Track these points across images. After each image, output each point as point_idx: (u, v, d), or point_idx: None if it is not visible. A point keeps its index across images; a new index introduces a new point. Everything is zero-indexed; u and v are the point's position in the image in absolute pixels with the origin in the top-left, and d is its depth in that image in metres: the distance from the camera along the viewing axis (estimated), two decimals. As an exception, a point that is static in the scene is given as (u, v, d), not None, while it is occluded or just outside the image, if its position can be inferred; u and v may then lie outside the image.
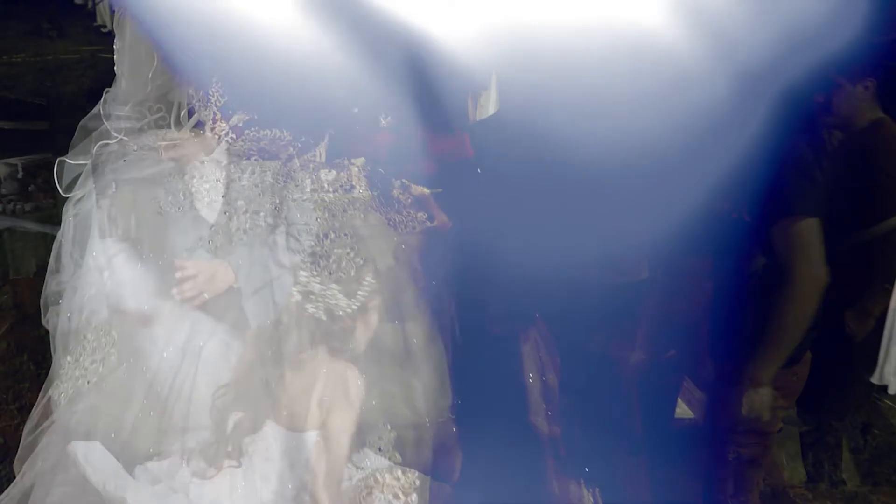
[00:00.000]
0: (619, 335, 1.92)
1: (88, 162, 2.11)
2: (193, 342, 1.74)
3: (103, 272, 1.90)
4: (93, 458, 1.73)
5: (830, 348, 2.88)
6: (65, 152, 2.16)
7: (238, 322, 1.74)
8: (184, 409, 1.71)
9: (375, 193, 1.93)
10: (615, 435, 2.04)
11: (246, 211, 1.85)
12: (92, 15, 8.20)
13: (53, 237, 2.10)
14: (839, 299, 3.01)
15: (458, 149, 2.08)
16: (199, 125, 2.11)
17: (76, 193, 2.10)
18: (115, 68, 2.10)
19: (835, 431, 2.66)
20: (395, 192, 2.01)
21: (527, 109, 2.09)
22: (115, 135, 2.07)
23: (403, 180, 2.05)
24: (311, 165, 2.01)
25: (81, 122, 2.14)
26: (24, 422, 1.97)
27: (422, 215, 1.95)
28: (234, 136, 1.98)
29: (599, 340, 1.96)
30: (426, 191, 2.07)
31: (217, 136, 1.98)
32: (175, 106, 2.12)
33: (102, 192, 2.01)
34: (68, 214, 2.06)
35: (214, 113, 1.98)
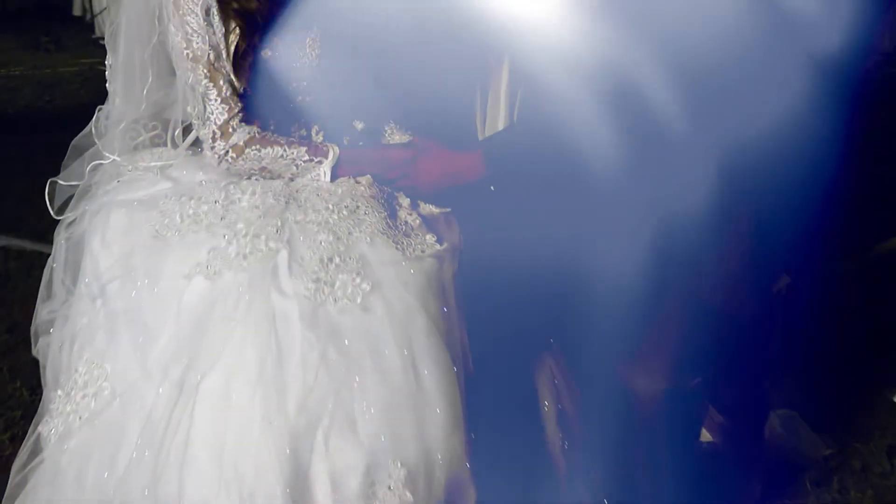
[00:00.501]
0: (639, 362, 1.82)
1: (81, 183, 2.03)
2: (191, 376, 1.64)
3: (96, 300, 1.80)
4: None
5: (853, 367, 2.81)
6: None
7: (237, 356, 1.64)
8: (181, 448, 1.61)
9: (382, 215, 1.84)
10: (635, 466, 1.94)
11: (246, 234, 1.75)
12: (90, 27, 8.15)
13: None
14: (864, 314, 2.93)
15: (471, 166, 1.98)
16: (196, 144, 2.02)
17: (68, 216, 2.01)
18: (107, 85, 2.01)
19: (860, 455, 2.57)
20: (403, 213, 1.91)
21: (543, 121, 2.01)
22: (108, 155, 1.98)
23: (411, 200, 1.96)
24: (315, 185, 1.92)
25: (73, 142, 2.06)
26: (16, 453, 1.88)
27: (431, 237, 1.85)
28: (234, 155, 1.89)
29: (618, 367, 1.86)
30: (435, 210, 1.97)
31: (217, 156, 1.89)
32: (171, 123, 2.03)
33: (95, 214, 1.92)
34: (60, 238, 1.97)
35: (214, 131, 1.89)
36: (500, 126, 2.30)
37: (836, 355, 2.80)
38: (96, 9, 7.49)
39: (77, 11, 8.44)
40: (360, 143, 2.03)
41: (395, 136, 2.17)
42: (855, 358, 2.86)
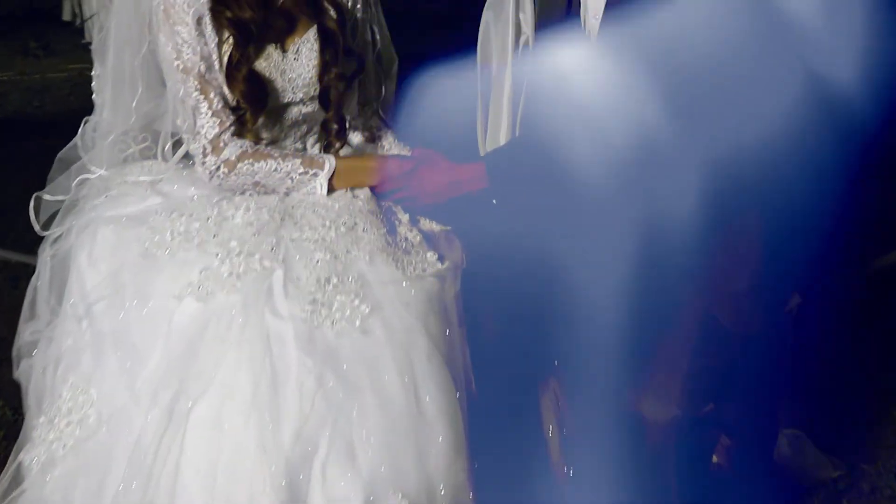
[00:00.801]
0: (648, 386, 1.75)
1: (67, 197, 1.95)
2: (181, 402, 1.56)
3: (82, 321, 1.72)
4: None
5: (857, 385, 2.75)
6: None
7: (230, 380, 1.56)
8: (171, 477, 1.53)
9: (381, 232, 1.76)
10: (642, 492, 1.87)
11: (239, 253, 1.68)
12: (80, 32, 8.06)
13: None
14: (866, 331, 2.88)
15: (473, 177, 1.90)
16: (188, 157, 1.94)
17: (54, 231, 1.93)
18: (94, 96, 1.93)
19: (869, 477, 2.50)
20: (402, 230, 1.84)
21: (546, 134, 1.94)
22: (95, 169, 1.90)
23: (410, 215, 1.88)
24: (311, 200, 1.84)
25: (59, 155, 1.98)
26: (-1, 475, 1.80)
27: (432, 255, 1.78)
28: (226, 170, 1.81)
29: (626, 392, 1.79)
30: (436, 227, 1.90)
31: (208, 172, 1.81)
32: (162, 136, 1.96)
33: (82, 230, 1.84)
34: (45, 255, 1.89)
35: (204, 146, 1.81)
36: (502, 138, 2.24)
37: (845, 375, 2.74)
38: (86, 14, 7.39)
39: (67, 16, 8.33)
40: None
41: (394, 149, 2.11)
42: (864, 378, 2.80)
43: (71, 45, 7.75)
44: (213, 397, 1.57)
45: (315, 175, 1.84)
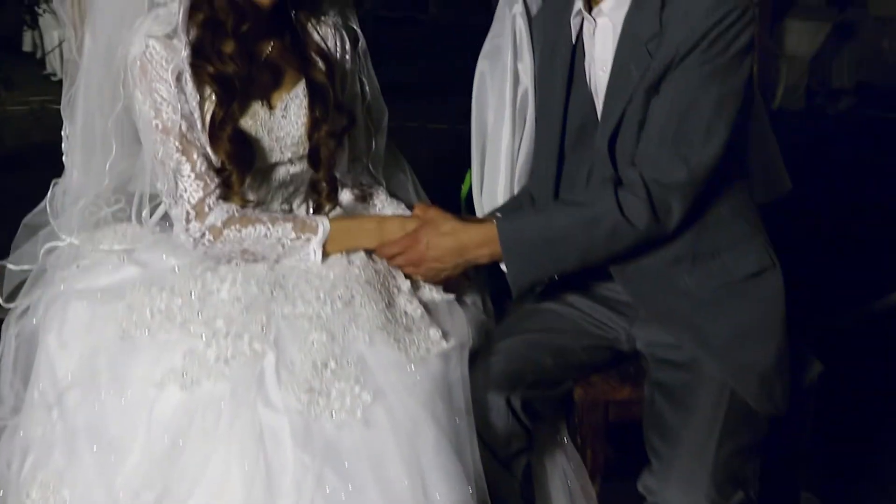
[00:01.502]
0: (670, 471, 1.62)
1: (34, 267, 1.79)
2: (165, 505, 1.40)
3: (52, 410, 1.56)
4: None
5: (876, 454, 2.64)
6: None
7: (220, 480, 1.41)
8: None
9: (381, 306, 1.62)
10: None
11: (227, 334, 1.53)
12: (42, 63, 7.86)
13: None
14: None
15: (484, 241, 1.75)
16: (166, 218, 1.79)
17: (20, 303, 1.77)
18: (63, 158, 1.78)
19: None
20: (402, 301, 1.70)
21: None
22: (65, 237, 1.75)
23: (411, 281, 1.74)
24: (303, 268, 1.70)
25: (25, 220, 1.83)
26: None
27: (435, 333, 1.63)
28: (211, 237, 1.66)
29: (646, 476, 1.66)
30: (437, 297, 1.76)
31: (192, 239, 1.66)
32: (136, 197, 1.80)
33: (51, 304, 1.68)
34: (9, 332, 1.73)
35: (188, 211, 1.66)
36: (500, 196, 2.12)
37: (858, 439, 2.66)
38: (48, 46, 7.19)
39: (27, 47, 8.13)
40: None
41: (388, 207, 1.97)
42: (878, 443, 2.72)
43: (31, 76, 7.54)
44: (200, 499, 1.42)
45: (308, 240, 1.70)
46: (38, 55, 7.88)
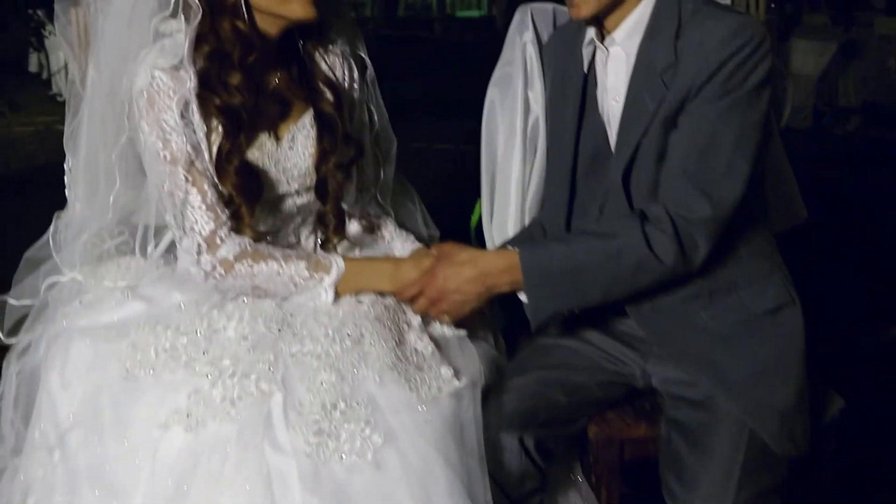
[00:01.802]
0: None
1: (35, 302, 1.75)
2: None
3: (53, 452, 1.52)
4: None
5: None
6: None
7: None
8: None
9: (391, 345, 1.58)
10: None
11: (233, 374, 1.49)
12: (48, 83, 7.87)
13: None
14: None
15: (506, 269, 1.69)
16: (171, 250, 1.76)
17: (21, 340, 1.73)
18: (66, 191, 1.74)
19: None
20: (412, 337, 1.65)
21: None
22: (67, 272, 1.71)
23: (422, 319, 1.69)
24: (311, 306, 1.66)
25: (27, 254, 1.79)
26: None
27: (447, 371, 1.59)
28: (222, 271, 1.62)
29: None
30: (448, 333, 1.71)
31: (202, 272, 1.62)
32: (140, 230, 1.76)
33: (53, 342, 1.64)
34: (10, 370, 1.68)
35: (199, 244, 1.62)
36: (511, 228, 2.08)
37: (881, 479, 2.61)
38: (54, 67, 7.19)
39: (33, 68, 8.13)
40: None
41: (397, 239, 1.93)
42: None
43: (37, 97, 7.55)
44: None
45: (321, 280, 1.66)
46: (45, 76, 7.88)
